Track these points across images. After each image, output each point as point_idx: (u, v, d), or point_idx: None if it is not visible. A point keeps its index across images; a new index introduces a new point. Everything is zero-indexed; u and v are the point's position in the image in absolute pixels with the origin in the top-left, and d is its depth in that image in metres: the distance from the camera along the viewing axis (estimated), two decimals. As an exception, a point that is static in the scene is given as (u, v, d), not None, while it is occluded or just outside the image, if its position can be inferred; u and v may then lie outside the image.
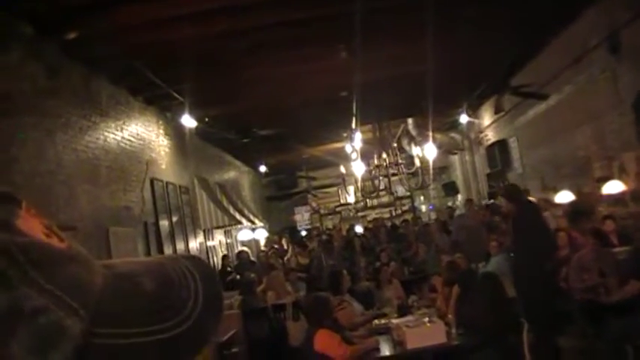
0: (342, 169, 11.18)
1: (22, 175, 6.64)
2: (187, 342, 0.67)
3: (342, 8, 8.17)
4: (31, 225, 0.62)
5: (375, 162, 9.46)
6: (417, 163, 8.83)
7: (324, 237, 15.43)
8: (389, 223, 19.19)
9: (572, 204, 11.12)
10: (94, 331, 0.59)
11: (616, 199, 10.01)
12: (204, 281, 0.72)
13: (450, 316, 6.36)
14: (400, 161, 9.39)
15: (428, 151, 9.11)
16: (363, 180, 16.05)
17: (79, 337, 0.57)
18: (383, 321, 6.80)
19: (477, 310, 5.81)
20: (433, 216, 21.37)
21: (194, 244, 12.54)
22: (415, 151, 8.96)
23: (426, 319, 6.12)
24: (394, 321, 6.52)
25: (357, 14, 8.20)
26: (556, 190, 11.90)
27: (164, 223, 10.81)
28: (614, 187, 9.71)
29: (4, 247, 0.56)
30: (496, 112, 14.76)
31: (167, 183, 11.49)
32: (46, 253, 0.60)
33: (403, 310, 7.03)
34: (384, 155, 9.25)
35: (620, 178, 9.83)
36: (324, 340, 5.59)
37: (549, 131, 12.79)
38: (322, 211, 25.59)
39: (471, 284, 6.44)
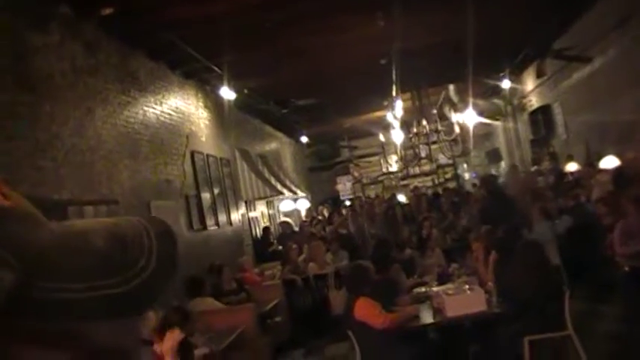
0: (382, 138, 11.02)
1: (63, 152, 6.76)
2: (135, 299, 0.68)
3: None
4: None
5: (415, 130, 9.35)
6: (457, 129, 8.70)
7: (365, 206, 15.40)
8: (431, 192, 19.08)
9: (617, 169, 10.87)
10: (36, 284, 0.61)
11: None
12: (159, 240, 0.73)
13: (490, 283, 6.31)
14: (440, 128, 9.25)
15: (468, 118, 8.97)
16: (405, 148, 15.92)
17: (11, 288, 0.58)
18: (424, 289, 6.78)
19: (519, 277, 5.74)
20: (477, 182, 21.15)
21: (236, 216, 12.65)
22: (455, 117, 8.83)
23: (466, 287, 6.09)
24: (434, 289, 6.50)
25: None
26: (601, 156, 11.66)
27: (206, 196, 10.92)
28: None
29: None
30: (538, 77, 14.47)
31: (208, 155, 11.58)
32: None
33: (443, 278, 7.01)
34: (424, 122, 9.13)
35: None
36: (364, 308, 5.61)
37: (594, 96, 12.48)
38: (364, 181, 25.54)
39: (511, 251, 6.37)
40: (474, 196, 12.98)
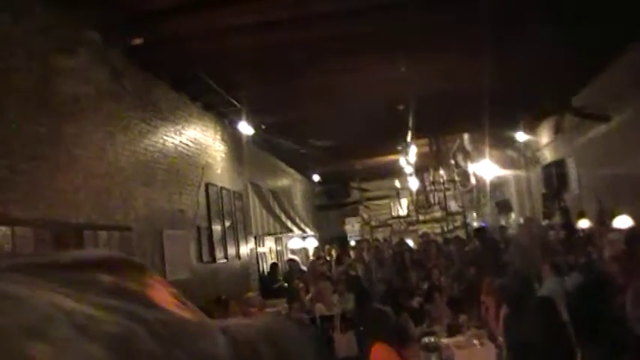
0: (397, 183, 11.07)
1: (82, 175, 6.81)
2: None
3: (403, 22, 8.17)
4: (162, 295, 0.62)
5: (431, 177, 9.38)
6: (473, 181, 8.72)
7: (372, 249, 15.36)
8: (439, 238, 19.02)
9: (630, 229, 10.82)
10: None
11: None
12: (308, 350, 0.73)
13: (500, 338, 6.25)
14: (457, 178, 9.28)
15: (484, 169, 8.98)
16: (417, 194, 15.97)
17: None
18: (432, 339, 6.72)
19: (530, 335, 5.68)
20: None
21: (245, 250, 12.63)
22: (472, 168, 8.85)
23: (476, 341, 6.04)
24: (444, 340, 6.45)
25: (417, 28, 8.21)
26: (613, 214, 11.61)
27: (217, 228, 10.93)
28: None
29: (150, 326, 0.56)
30: (556, 133, 14.46)
31: (221, 188, 11.62)
32: (183, 328, 0.59)
33: (452, 329, 6.95)
34: (441, 171, 9.16)
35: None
36: (380, 355, 5.56)
37: (609, 153, 12.47)
38: (373, 223, 25.51)
39: (522, 306, 6.31)
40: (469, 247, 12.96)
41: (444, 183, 8.87)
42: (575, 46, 10.20)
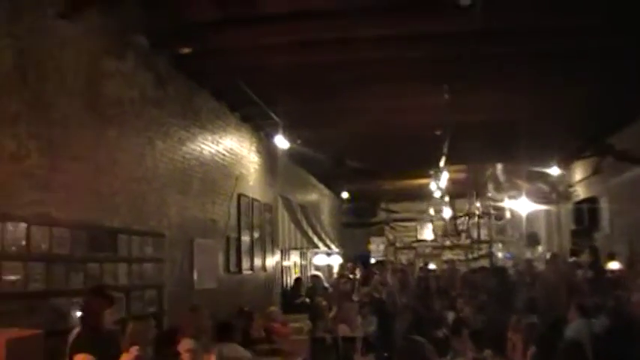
0: (427, 208, 11.04)
1: (120, 179, 6.88)
2: None
3: (451, 50, 8.18)
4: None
5: (467, 207, 9.34)
6: (508, 215, 8.66)
7: (397, 272, 15.28)
8: (463, 266, 18.89)
9: (661, 275, 10.67)
10: None
11: None
12: None
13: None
14: (492, 212, 9.23)
15: (520, 204, 8.91)
16: (447, 219, 15.82)
17: None
18: (456, 373, 6.68)
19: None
20: (509, 264, 20.83)
21: (270, 263, 12.66)
22: (508, 203, 8.79)
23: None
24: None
25: (464, 59, 8.20)
26: (645, 258, 11.45)
27: (245, 239, 10.98)
28: None
29: None
30: (594, 173, 14.25)
31: (253, 199, 11.67)
32: None
33: (478, 365, 6.87)
34: (477, 203, 9.11)
35: None
36: None
37: (645, 197, 12.30)
38: (398, 245, 25.43)
39: (551, 348, 6.24)
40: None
41: (479, 215, 8.83)
42: (617, 86, 10.12)
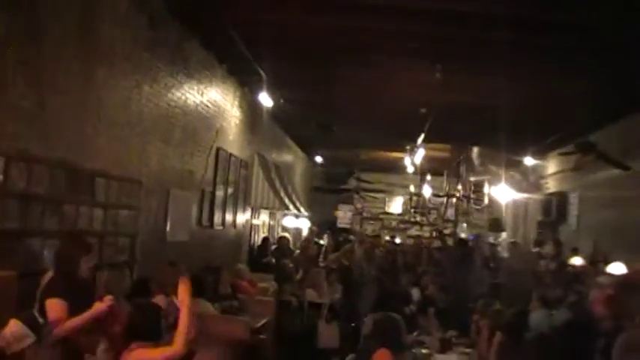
0: (410, 186, 11.03)
1: (104, 122, 6.69)
2: None
3: (450, 30, 8.11)
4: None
5: (447, 188, 9.35)
6: (486, 201, 8.70)
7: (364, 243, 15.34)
8: (427, 242, 19.01)
9: (623, 277, 10.82)
10: None
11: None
12: None
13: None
14: (472, 196, 9.26)
15: (501, 193, 8.94)
16: (418, 195, 15.77)
17: None
18: (423, 351, 6.72)
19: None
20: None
21: (241, 220, 12.59)
22: (487, 189, 8.83)
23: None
24: (437, 356, 6.44)
25: (461, 41, 8.15)
26: (607, 258, 11.61)
27: (219, 194, 10.87)
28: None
29: None
30: (574, 170, 14.33)
31: (230, 155, 11.54)
32: None
33: (443, 344, 6.93)
34: (459, 186, 9.12)
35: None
36: None
37: (617, 198, 12.43)
38: (365, 214, 25.51)
39: (517, 336, 6.31)
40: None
41: (459, 197, 8.83)
42: (603, 84, 10.14)
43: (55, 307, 4.41)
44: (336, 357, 9.66)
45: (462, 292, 10.52)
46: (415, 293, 10.33)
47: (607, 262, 11.35)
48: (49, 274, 4.79)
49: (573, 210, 15.43)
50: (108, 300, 4.47)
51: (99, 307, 4.44)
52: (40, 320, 3.71)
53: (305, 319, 10.02)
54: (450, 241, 19.64)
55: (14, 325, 3.47)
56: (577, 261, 13.11)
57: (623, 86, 10.11)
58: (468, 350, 6.81)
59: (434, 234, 23.19)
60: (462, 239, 13.87)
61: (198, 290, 7.73)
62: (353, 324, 10.14)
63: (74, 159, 6.06)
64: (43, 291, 4.59)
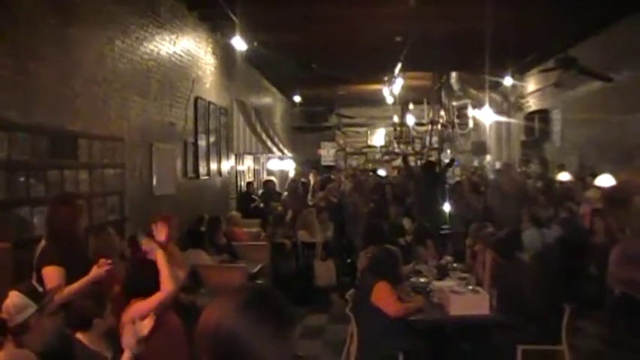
0: (394, 116, 10.93)
1: (82, 81, 6.56)
2: None
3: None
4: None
5: (430, 115, 9.29)
6: (471, 124, 8.66)
7: (351, 178, 15.37)
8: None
9: (610, 189, 10.92)
10: None
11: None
12: None
13: (488, 286, 6.27)
14: (456, 121, 9.21)
15: (485, 115, 8.91)
16: (400, 125, 15.62)
17: None
18: (421, 279, 6.78)
19: (524, 287, 5.77)
20: (457, 172, 21.05)
21: (226, 167, 12.52)
22: (472, 112, 8.78)
23: (470, 287, 6.10)
24: (436, 283, 6.49)
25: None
26: (594, 171, 11.70)
27: (202, 144, 10.76)
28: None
29: None
30: (556, 87, 14.27)
31: (209, 103, 11.39)
32: None
33: (439, 271, 6.99)
34: (442, 113, 9.06)
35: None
36: (382, 293, 5.60)
37: (599, 111, 12.46)
38: (348, 150, 25.47)
39: (511, 255, 6.38)
40: (464, 186, 12.95)
41: (443, 124, 8.77)
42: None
43: (52, 274, 4.37)
44: (334, 293, 9.80)
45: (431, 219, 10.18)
46: (407, 223, 10.38)
47: (594, 176, 11.45)
48: (43, 241, 4.73)
49: (556, 127, 15.50)
50: (105, 264, 4.43)
51: (97, 272, 4.40)
52: (40, 289, 3.67)
53: (300, 260, 10.08)
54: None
55: (14, 297, 3.43)
56: (564, 177, 13.22)
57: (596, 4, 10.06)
58: (465, 275, 6.86)
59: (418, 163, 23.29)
60: (428, 161, 13.73)
61: (194, 242, 7.80)
62: (349, 260, 10.23)
63: (55, 123, 5.95)
64: (39, 258, 4.53)
